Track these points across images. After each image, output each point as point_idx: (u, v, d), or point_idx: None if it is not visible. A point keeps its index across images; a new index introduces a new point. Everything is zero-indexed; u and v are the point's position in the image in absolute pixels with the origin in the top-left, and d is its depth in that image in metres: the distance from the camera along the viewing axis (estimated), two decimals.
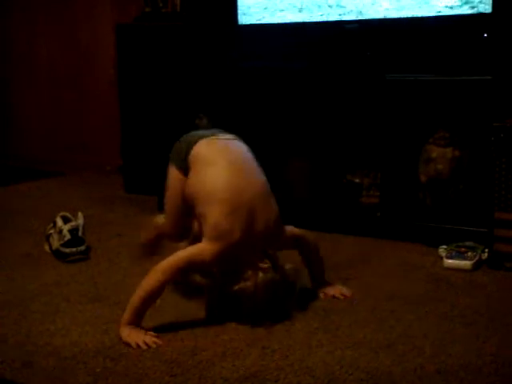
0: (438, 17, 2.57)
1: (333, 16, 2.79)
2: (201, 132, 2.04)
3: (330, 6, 2.79)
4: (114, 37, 3.53)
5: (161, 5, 3.38)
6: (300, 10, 2.87)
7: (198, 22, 3.24)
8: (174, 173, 1.97)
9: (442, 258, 2.32)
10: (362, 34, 2.74)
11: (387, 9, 2.66)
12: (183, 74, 3.13)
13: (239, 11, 3.01)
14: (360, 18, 2.73)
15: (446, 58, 2.52)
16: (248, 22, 3.00)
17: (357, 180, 2.79)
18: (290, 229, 1.95)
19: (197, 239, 1.87)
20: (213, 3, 3.23)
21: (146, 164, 3.45)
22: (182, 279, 1.96)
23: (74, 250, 2.41)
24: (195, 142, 1.94)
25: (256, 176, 1.91)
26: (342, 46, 2.78)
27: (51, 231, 2.51)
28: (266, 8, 2.94)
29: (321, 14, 2.82)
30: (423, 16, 2.61)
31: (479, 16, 2.49)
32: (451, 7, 2.54)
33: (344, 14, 2.76)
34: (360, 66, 2.69)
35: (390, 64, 2.62)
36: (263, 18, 2.96)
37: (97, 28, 3.98)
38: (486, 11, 2.47)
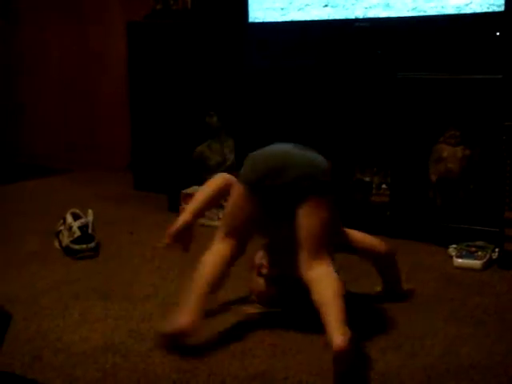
0: (450, 15, 2.56)
1: (359, 7, 2.74)
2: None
3: None
4: (124, 36, 3.54)
5: (171, 2, 3.38)
6: (325, 5, 2.83)
7: (209, 19, 3.24)
8: None
9: (451, 257, 2.31)
10: (373, 33, 2.73)
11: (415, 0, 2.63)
12: (193, 72, 3.13)
13: (253, 8, 2.99)
14: (387, 10, 2.67)
15: (457, 57, 2.51)
16: (258, 20, 2.99)
17: (367, 179, 2.78)
18: (360, 235, 1.93)
19: None
20: (223, 1, 3.23)
21: (155, 161, 3.45)
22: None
23: (83, 246, 2.42)
24: None
25: None
26: (353, 44, 2.78)
27: (61, 228, 2.51)
28: (283, 8, 2.93)
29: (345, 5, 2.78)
30: (435, 14, 2.59)
31: (491, 15, 2.48)
32: (463, 5, 2.52)
33: (370, 8, 2.72)
34: (371, 65, 2.69)
35: (401, 62, 2.61)
36: (280, 15, 2.95)
37: (107, 27, 3.99)
38: (499, 10, 2.45)
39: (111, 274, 2.23)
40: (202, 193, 1.88)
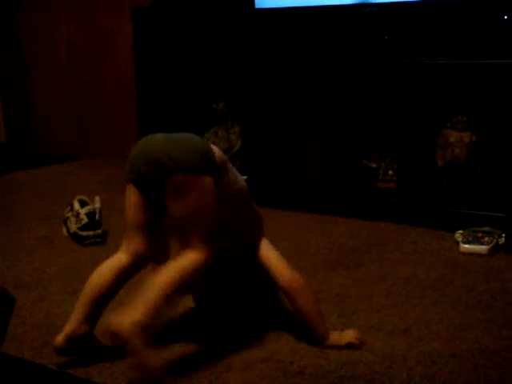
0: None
1: None
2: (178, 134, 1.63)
3: None
4: (131, 21, 3.53)
5: None
6: None
7: (215, 5, 3.23)
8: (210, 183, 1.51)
9: (458, 242, 2.31)
10: (380, 18, 2.72)
11: None
12: (200, 59, 3.12)
13: None
14: None
15: (464, 42, 2.49)
16: (265, 6, 2.98)
17: (373, 165, 2.78)
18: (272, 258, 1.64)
19: None
20: None
21: None
22: None
23: (90, 233, 2.43)
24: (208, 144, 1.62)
25: None
26: (360, 29, 2.76)
27: (68, 215, 2.53)
28: None
29: None
30: None
31: None
32: None
33: None
34: (378, 50, 2.68)
35: (408, 48, 2.60)
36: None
37: (115, 13, 3.98)
38: None
39: None
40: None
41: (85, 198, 2.59)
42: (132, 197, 1.57)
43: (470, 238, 2.29)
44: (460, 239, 2.31)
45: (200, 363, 1.52)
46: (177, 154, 1.48)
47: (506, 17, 2.44)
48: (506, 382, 1.43)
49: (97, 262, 2.19)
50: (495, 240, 2.27)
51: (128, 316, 1.38)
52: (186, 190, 1.47)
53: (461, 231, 2.35)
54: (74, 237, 2.45)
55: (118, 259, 1.60)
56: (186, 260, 1.49)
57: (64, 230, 2.53)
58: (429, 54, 2.53)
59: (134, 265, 1.58)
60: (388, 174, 2.74)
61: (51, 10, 4.28)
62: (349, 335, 1.60)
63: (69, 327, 1.53)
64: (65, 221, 2.53)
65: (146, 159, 1.52)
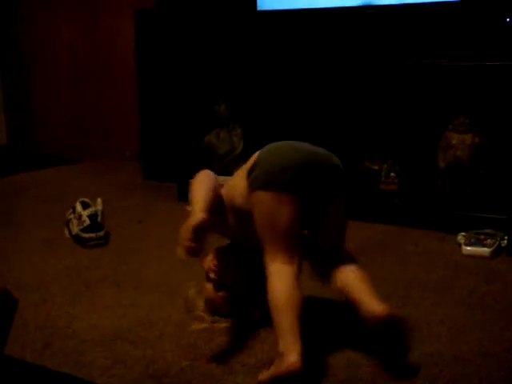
0: (459, 1, 2.54)
1: None
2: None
3: None
4: (133, 23, 3.54)
5: None
6: None
7: (217, 7, 3.23)
8: None
9: (460, 245, 2.31)
10: (383, 19, 2.72)
11: None
12: (202, 61, 3.13)
13: None
14: None
15: (466, 43, 2.49)
16: (267, 8, 2.98)
17: (375, 167, 2.78)
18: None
19: None
20: None
21: (164, 151, 3.46)
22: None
23: (92, 235, 2.43)
24: None
25: None
26: (362, 31, 2.76)
27: (71, 217, 2.53)
28: None
29: None
30: (444, 0, 2.58)
31: (501, 0, 2.46)
32: None
33: None
34: (380, 52, 2.68)
35: (410, 49, 2.60)
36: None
37: (117, 14, 3.99)
38: None
39: (120, 262, 2.25)
40: (202, 186, 1.63)
41: (87, 200, 2.59)
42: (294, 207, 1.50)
43: (473, 241, 2.29)
44: (462, 241, 2.31)
45: (201, 367, 1.52)
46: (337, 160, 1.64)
47: (508, 20, 2.44)
48: None
49: (99, 265, 2.22)
50: (497, 242, 2.27)
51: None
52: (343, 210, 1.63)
53: (463, 233, 2.35)
54: (76, 239, 2.45)
55: (293, 272, 1.50)
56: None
57: (66, 232, 2.53)
58: (431, 56, 2.53)
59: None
60: (390, 176, 2.74)
61: (53, 11, 4.29)
62: None
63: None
64: (67, 223, 2.54)
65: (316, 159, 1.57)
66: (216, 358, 1.55)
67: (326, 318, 1.76)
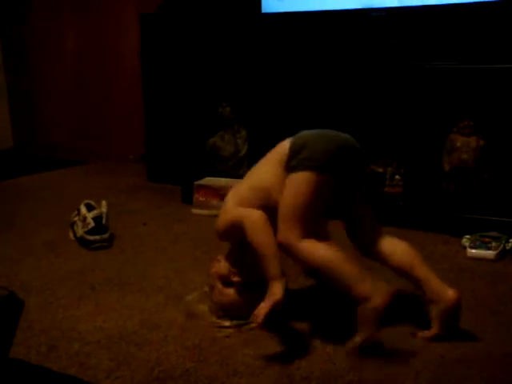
0: (464, 4, 2.54)
1: None
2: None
3: None
4: (138, 27, 3.55)
5: None
6: None
7: (222, 9, 3.24)
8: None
9: (465, 247, 2.31)
10: (388, 22, 2.72)
11: None
12: (206, 63, 3.13)
13: None
14: None
15: (471, 46, 2.49)
16: (272, 11, 2.99)
17: (380, 169, 2.78)
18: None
19: None
20: None
21: (169, 153, 3.47)
22: None
23: (97, 237, 2.43)
24: None
25: None
26: (368, 34, 2.77)
27: (75, 219, 2.53)
28: None
29: None
30: (449, 3, 2.58)
31: (506, 3, 2.46)
32: None
33: None
34: (386, 54, 2.68)
35: (416, 52, 2.60)
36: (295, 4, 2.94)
37: (122, 18, 4.00)
38: None
39: (125, 264, 2.25)
40: (271, 240, 1.59)
41: (92, 202, 2.59)
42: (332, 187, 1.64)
43: (477, 243, 2.29)
44: (467, 244, 2.31)
45: (205, 369, 1.52)
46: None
47: None
48: None
49: (104, 267, 2.22)
50: (502, 245, 2.27)
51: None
52: None
53: (468, 236, 2.35)
54: (81, 241, 2.46)
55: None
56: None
57: (71, 235, 2.54)
58: (436, 59, 2.53)
59: None
60: (395, 178, 2.74)
61: (58, 15, 4.31)
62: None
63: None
64: (72, 225, 2.54)
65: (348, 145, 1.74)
66: (220, 360, 1.55)
67: (325, 318, 1.76)
